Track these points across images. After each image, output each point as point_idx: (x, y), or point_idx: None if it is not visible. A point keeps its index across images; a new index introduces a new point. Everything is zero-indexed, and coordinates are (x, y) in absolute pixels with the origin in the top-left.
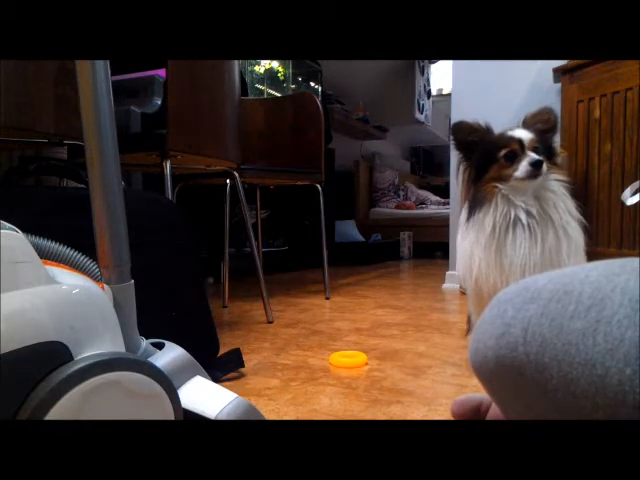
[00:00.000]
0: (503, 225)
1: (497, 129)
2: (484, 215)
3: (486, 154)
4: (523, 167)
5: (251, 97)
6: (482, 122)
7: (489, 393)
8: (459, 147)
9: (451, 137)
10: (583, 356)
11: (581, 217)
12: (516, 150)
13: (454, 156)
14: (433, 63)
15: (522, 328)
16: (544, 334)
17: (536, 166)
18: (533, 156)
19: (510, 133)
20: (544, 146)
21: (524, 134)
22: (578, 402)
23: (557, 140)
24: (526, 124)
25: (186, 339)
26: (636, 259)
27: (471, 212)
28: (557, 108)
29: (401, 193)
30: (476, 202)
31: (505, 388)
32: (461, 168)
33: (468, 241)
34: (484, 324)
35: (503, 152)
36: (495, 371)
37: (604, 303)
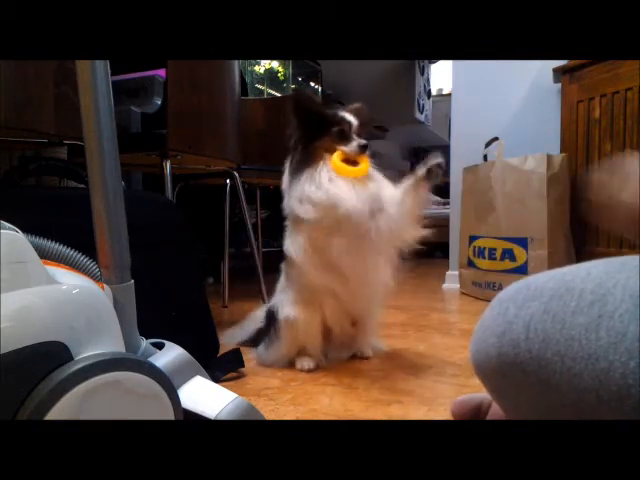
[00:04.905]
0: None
1: (497, 129)
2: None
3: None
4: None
5: (251, 97)
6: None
7: (490, 391)
8: (297, 115)
9: (292, 106)
10: (586, 350)
11: None
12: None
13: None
14: (433, 63)
15: (524, 325)
16: (546, 330)
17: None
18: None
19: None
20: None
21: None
22: (582, 396)
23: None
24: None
25: (186, 339)
26: (636, 257)
27: (295, 172)
28: (557, 108)
29: None
30: (301, 163)
31: (507, 385)
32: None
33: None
34: (486, 322)
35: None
36: (497, 368)
37: (606, 299)
